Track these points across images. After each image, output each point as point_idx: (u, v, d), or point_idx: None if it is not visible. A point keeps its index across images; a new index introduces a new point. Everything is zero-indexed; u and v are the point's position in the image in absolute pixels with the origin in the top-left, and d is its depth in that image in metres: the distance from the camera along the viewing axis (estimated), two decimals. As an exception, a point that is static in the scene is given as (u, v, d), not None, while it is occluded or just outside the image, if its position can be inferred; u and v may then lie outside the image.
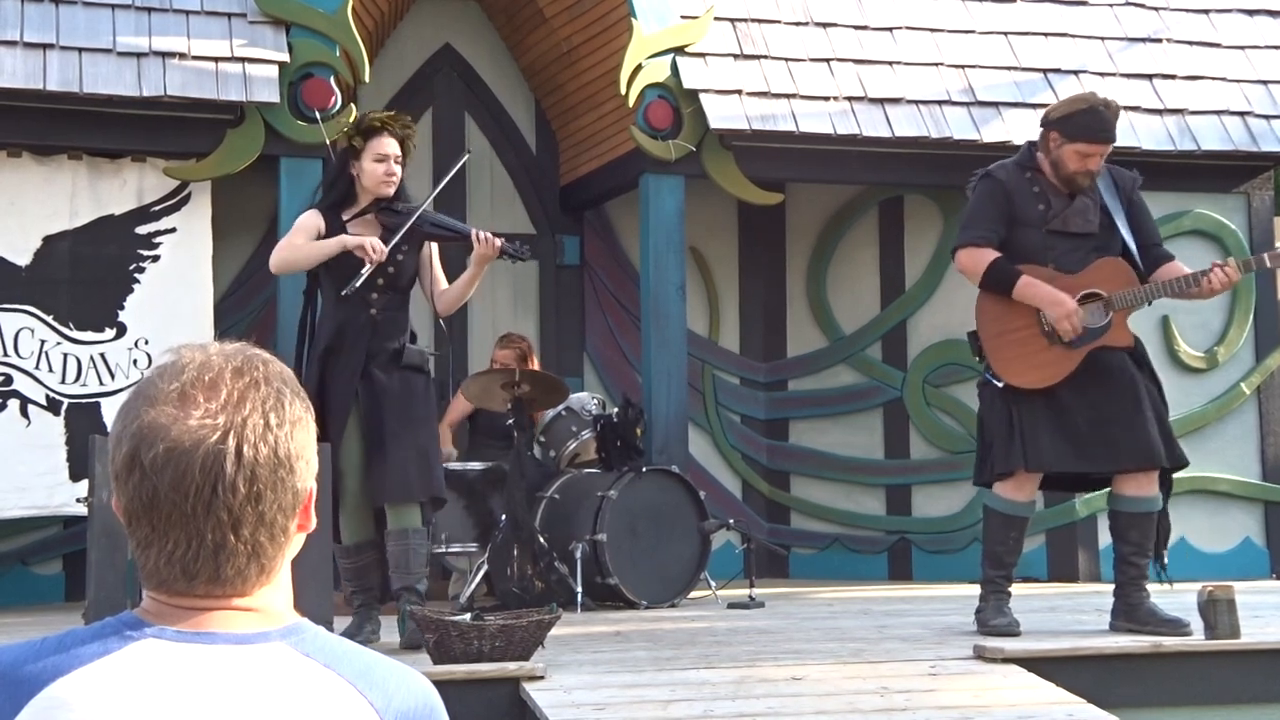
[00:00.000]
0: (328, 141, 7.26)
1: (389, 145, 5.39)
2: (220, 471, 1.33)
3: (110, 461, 1.38)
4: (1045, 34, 8.56)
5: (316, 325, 5.47)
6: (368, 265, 5.20)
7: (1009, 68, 8.36)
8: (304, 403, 1.42)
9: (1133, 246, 5.34)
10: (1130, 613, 5.22)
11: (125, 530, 1.38)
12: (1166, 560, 5.39)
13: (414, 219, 5.31)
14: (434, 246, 5.53)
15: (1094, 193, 5.33)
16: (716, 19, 8.01)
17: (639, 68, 7.77)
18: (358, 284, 5.22)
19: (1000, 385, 5.28)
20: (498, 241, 5.27)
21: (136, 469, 1.34)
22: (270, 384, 1.39)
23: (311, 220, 5.45)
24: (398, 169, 5.41)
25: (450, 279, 5.59)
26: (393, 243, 5.25)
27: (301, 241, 5.40)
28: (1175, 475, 5.47)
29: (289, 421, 1.38)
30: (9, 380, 7.10)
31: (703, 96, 7.81)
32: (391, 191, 5.41)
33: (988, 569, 5.37)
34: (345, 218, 5.41)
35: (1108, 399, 5.23)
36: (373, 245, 5.20)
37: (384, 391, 5.26)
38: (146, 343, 7.26)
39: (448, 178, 5.58)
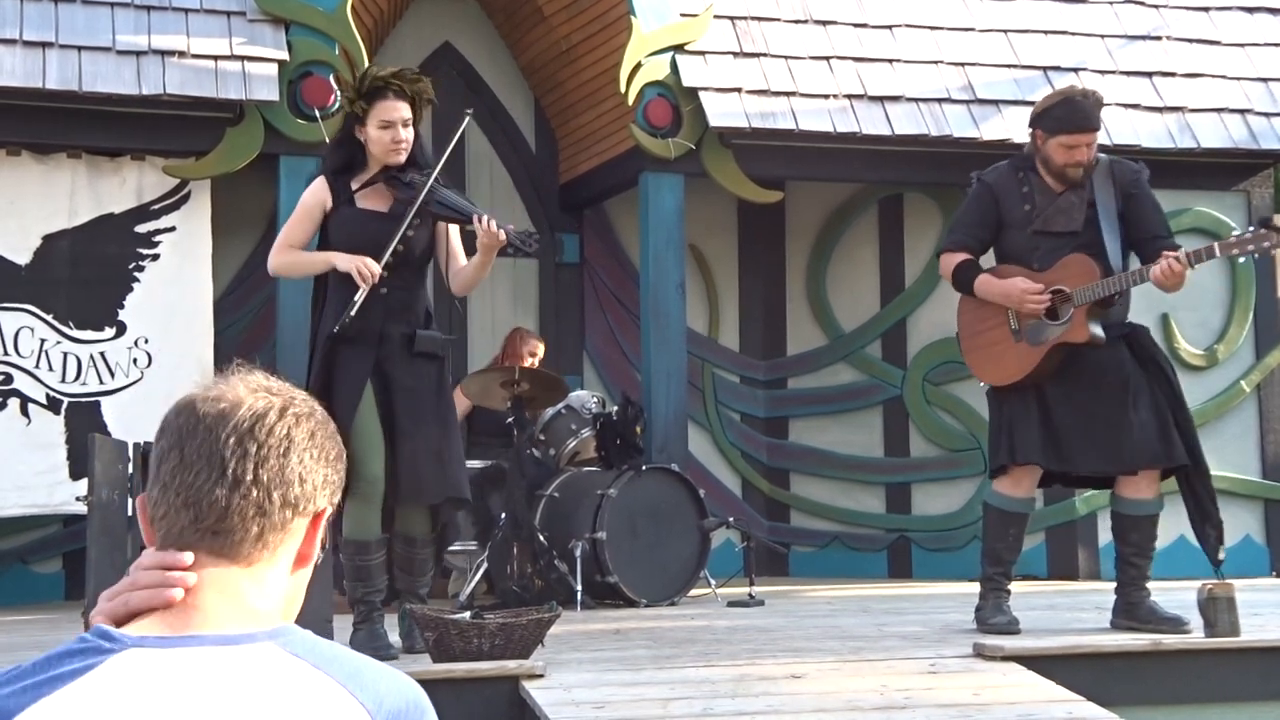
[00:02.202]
0: (327, 140, 7.27)
1: (395, 110, 4.89)
2: (262, 416, 1.43)
3: (165, 418, 1.47)
4: (1045, 31, 8.56)
5: (325, 302, 5.01)
6: (361, 290, 4.80)
7: (1009, 65, 8.36)
8: (339, 452, 1.51)
9: (1109, 243, 5.28)
10: (1130, 611, 5.23)
11: (152, 475, 1.44)
12: (1223, 556, 5.32)
13: (419, 203, 4.87)
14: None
15: (1084, 190, 5.31)
16: (716, 17, 8.01)
17: (638, 66, 7.77)
18: (352, 312, 4.81)
19: (983, 385, 5.46)
20: (501, 234, 4.80)
21: (186, 410, 1.44)
22: (319, 413, 1.51)
23: (315, 196, 5.02)
24: (406, 134, 4.92)
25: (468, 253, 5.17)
26: (387, 254, 4.84)
27: (303, 229, 5.02)
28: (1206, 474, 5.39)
29: (324, 440, 1.48)
30: (9, 379, 7.10)
31: (702, 94, 7.81)
32: (402, 159, 4.93)
33: (987, 566, 5.38)
34: (355, 186, 4.99)
35: (1094, 399, 5.23)
36: (363, 267, 4.79)
37: (395, 385, 4.90)
38: (146, 341, 7.26)
39: (450, 146, 5.07)
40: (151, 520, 1.44)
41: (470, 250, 5.11)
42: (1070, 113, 5.23)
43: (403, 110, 4.93)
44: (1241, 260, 5.78)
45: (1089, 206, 5.30)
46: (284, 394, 1.48)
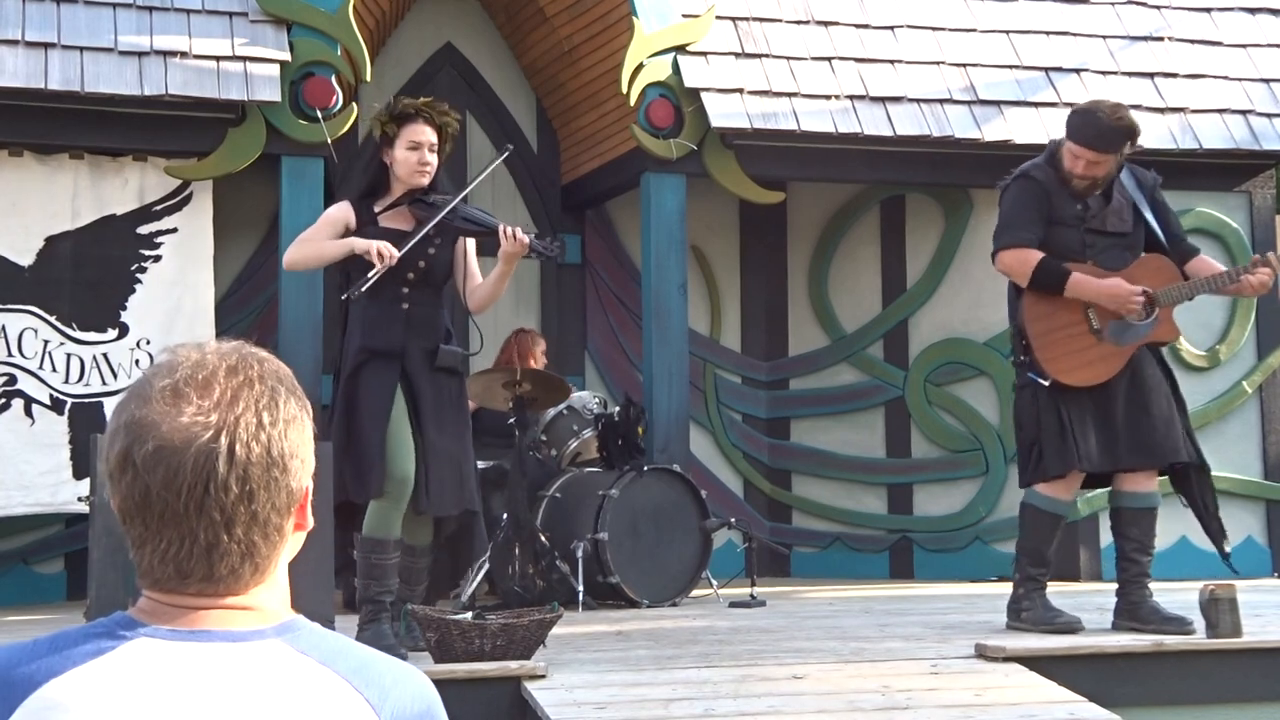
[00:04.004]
0: (329, 140, 7.27)
1: (424, 133, 5.10)
2: (212, 470, 1.33)
3: (105, 459, 1.38)
4: (1047, 32, 8.56)
5: (349, 321, 5.16)
6: (375, 269, 4.90)
7: (1010, 66, 8.36)
8: (300, 401, 1.41)
9: (1164, 242, 5.39)
10: (1133, 611, 5.23)
11: (121, 528, 1.38)
12: (1229, 550, 5.43)
13: (444, 214, 5.01)
14: (469, 241, 5.23)
15: (1123, 192, 5.35)
16: (718, 18, 8.01)
17: (640, 66, 7.77)
18: (363, 288, 4.93)
19: (1047, 384, 5.23)
20: (526, 238, 4.97)
21: (129, 467, 1.34)
22: (264, 382, 1.38)
23: (339, 213, 5.14)
24: (432, 158, 5.10)
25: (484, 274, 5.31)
26: (407, 246, 4.96)
27: (323, 237, 5.11)
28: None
29: (283, 420, 1.38)
30: (13, 380, 7.11)
31: (704, 95, 7.81)
32: (426, 182, 5.11)
33: (1028, 566, 5.37)
34: (377, 209, 5.13)
35: (1145, 397, 5.27)
36: (382, 250, 4.90)
37: (419, 398, 5.02)
38: (148, 343, 7.27)
39: (484, 172, 5.31)
40: (135, 563, 1.39)
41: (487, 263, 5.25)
42: (1086, 125, 5.22)
43: (430, 135, 5.12)
44: None
45: (1132, 209, 5.35)
46: (221, 406, 1.34)
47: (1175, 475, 5.41)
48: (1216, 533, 5.36)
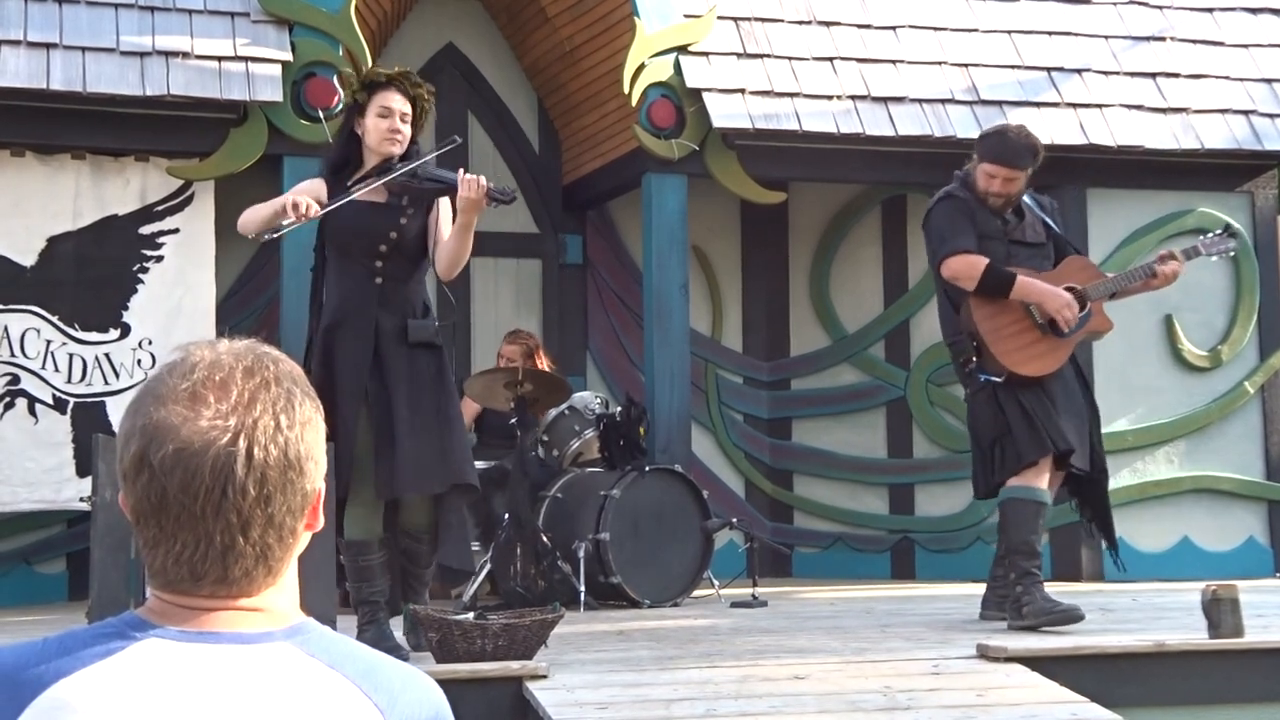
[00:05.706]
0: (331, 141, 7.27)
1: (395, 99, 4.97)
2: (231, 474, 1.32)
3: (119, 459, 1.37)
4: (1049, 33, 8.56)
5: (324, 297, 5.06)
6: (288, 220, 4.78)
7: (1012, 66, 8.36)
8: (314, 403, 1.41)
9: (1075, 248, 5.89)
10: (1001, 604, 5.61)
11: (132, 528, 1.37)
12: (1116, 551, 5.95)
13: (399, 173, 4.90)
14: (443, 210, 5.05)
15: (1030, 210, 5.78)
16: (719, 18, 8.01)
17: (642, 67, 7.77)
18: (274, 235, 4.89)
19: (1001, 380, 5.52)
20: (485, 185, 4.78)
21: (145, 469, 1.34)
22: (280, 384, 1.38)
23: (307, 186, 5.03)
24: (404, 127, 4.98)
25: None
26: (336, 204, 4.86)
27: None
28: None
29: (299, 423, 1.38)
30: (16, 380, 7.13)
31: (705, 95, 7.81)
32: (398, 150, 4.97)
33: (1022, 562, 5.45)
34: (349, 183, 5.00)
35: (1075, 394, 5.67)
36: (296, 203, 4.78)
37: (392, 377, 4.89)
38: (150, 343, 7.28)
39: (433, 154, 5.07)
40: (145, 564, 1.38)
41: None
42: (996, 145, 5.68)
43: (402, 103, 5.00)
44: (1213, 259, 6.24)
45: (1042, 224, 5.80)
46: (240, 409, 1.34)
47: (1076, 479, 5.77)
48: (1109, 534, 5.84)
